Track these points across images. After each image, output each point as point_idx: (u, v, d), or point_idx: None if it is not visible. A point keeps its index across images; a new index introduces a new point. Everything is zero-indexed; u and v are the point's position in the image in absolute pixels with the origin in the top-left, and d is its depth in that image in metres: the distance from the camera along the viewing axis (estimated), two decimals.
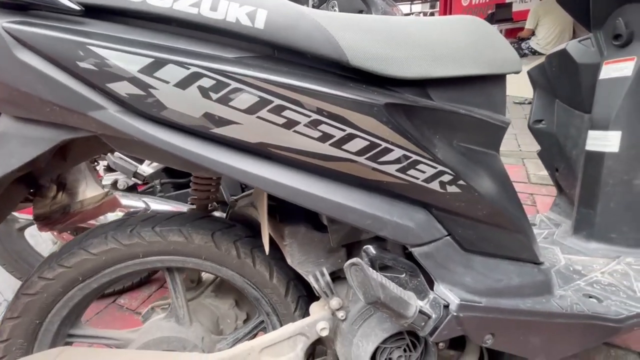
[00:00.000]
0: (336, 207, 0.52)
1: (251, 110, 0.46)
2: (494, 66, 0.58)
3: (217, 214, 0.85)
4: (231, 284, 0.74)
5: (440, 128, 0.56)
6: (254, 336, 0.79)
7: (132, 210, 1.28)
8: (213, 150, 0.48)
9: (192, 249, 0.68)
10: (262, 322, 0.79)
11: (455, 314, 0.58)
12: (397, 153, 0.52)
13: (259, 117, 0.47)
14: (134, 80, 0.43)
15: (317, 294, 0.68)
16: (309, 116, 0.48)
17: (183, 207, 1.30)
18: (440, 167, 0.55)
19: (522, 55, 4.68)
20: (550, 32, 4.48)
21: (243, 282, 0.73)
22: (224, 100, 0.45)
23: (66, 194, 0.80)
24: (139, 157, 1.06)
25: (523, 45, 4.73)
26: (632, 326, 0.73)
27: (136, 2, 0.43)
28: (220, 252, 0.69)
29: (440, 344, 0.72)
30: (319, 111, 0.48)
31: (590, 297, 0.77)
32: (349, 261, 0.55)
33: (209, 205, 0.82)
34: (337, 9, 1.55)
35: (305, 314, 0.74)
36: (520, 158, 2.68)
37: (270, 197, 0.63)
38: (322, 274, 0.67)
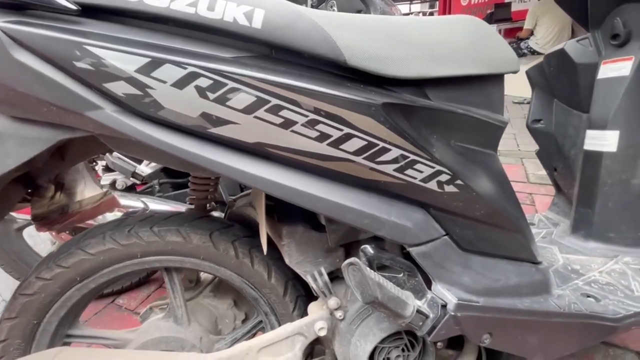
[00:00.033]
0: (334, 206, 0.52)
1: (248, 110, 0.46)
2: (491, 66, 0.58)
3: (215, 214, 0.85)
4: (229, 284, 0.74)
5: (438, 128, 0.56)
6: (253, 336, 0.78)
7: (130, 210, 1.28)
8: (210, 150, 0.48)
9: (190, 249, 0.68)
10: (261, 322, 0.79)
11: (452, 313, 0.58)
12: (395, 153, 0.52)
13: (256, 117, 0.47)
14: (131, 80, 0.43)
15: (315, 294, 0.68)
16: (307, 116, 0.48)
17: (182, 207, 1.30)
18: (438, 167, 0.55)
19: (521, 55, 4.69)
20: (549, 32, 4.49)
21: (241, 282, 0.73)
22: (221, 100, 0.45)
23: (64, 194, 0.80)
24: (136, 157, 1.06)
25: (522, 44, 4.74)
26: (629, 325, 0.73)
27: (133, 1, 0.43)
28: (219, 252, 0.69)
29: (439, 344, 0.72)
30: (317, 111, 0.48)
31: (588, 296, 0.78)
32: (347, 261, 0.55)
33: (208, 205, 0.82)
34: (335, 8, 1.55)
35: (304, 313, 0.74)
36: (519, 158, 2.68)
37: (268, 197, 0.63)
38: (320, 274, 0.67)
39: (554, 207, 1.25)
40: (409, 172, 0.54)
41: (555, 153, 1.17)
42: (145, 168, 1.41)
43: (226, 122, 0.46)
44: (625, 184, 0.94)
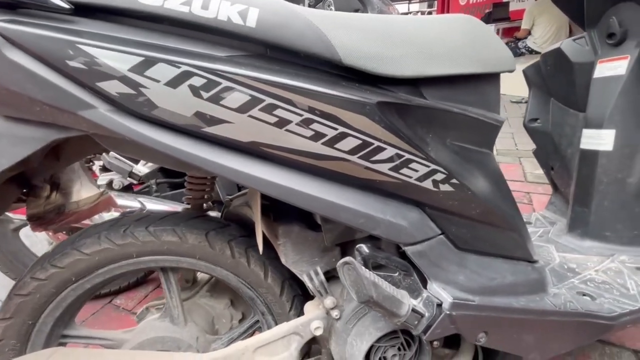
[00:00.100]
0: (329, 206, 0.52)
1: (243, 109, 0.46)
2: (488, 65, 0.58)
3: (212, 213, 0.85)
4: (226, 283, 0.74)
5: (434, 127, 0.56)
6: (250, 336, 0.78)
7: (127, 210, 1.28)
8: (205, 150, 0.48)
9: (186, 249, 0.68)
10: (258, 321, 0.79)
11: (448, 312, 0.58)
12: (390, 152, 0.52)
13: (250, 116, 0.46)
14: (124, 79, 0.43)
15: (311, 293, 0.68)
16: (301, 115, 0.48)
17: (179, 207, 1.30)
18: (433, 166, 0.55)
19: (519, 54, 4.69)
20: (547, 31, 4.49)
21: (238, 282, 0.73)
22: (215, 99, 0.45)
23: (60, 194, 0.79)
24: (131, 156, 1.06)
25: (520, 44, 4.74)
26: (625, 323, 0.73)
27: (127, 0, 0.43)
28: (215, 251, 0.69)
29: (435, 343, 0.72)
30: (311, 110, 0.48)
31: (584, 295, 0.78)
32: (342, 260, 0.55)
33: (204, 204, 0.82)
34: (333, 7, 1.55)
35: (301, 313, 0.74)
36: (517, 157, 2.68)
37: (264, 197, 0.63)
38: (316, 273, 0.67)
39: (550, 206, 1.26)
40: (404, 171, 0.54)
41: (552, 152, 1.18)
42: (142, 168, 1.40)
43: (220, 121, 0.46)
44: (621, 183, 0.94)
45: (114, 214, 1.24)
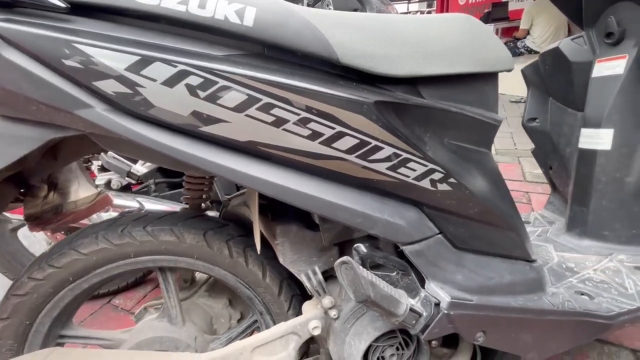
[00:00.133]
0: (326, 205, 0.52)
1: (240, 108, 0.46)
2: (486, 64, 0.58)
3: (211, 213, 0.85)
4: (224, 283, 0.74)
5: (431, 126, 0.56)
6: (248, 335, 0.78)
7: (126, 210, 1.28)
8: (202, 149, 0.48)
9: (184, 249, 0.68)
10: (256, 321, 0.79)
11: (446, 311, 0.58)
12: (387, 151, 0.52)
13: (247, 115, 0.46)
14: (120, 79, 0.43)
15: (309, 293, 0.68)
16: (298, 114, 0.48)
17: (177, 207, 1.29)
18: (431, 165, 0.55)
19: (518, 54, 4.70)
20: (545, 31, 4.50)
21: (236, 282, 0.72)
22: (212, 99, 0.45)
23: (58, 193, 0.79)
24: (128, 156, 1.06)
25: (519, 44, 4.75)
26: (623, 323, 0.73)
27: None
28: (213, 251, 0.69)
29: (433, 342, 0.72)
30: (308, 109, 0.48)
31: (582, 294, 0.78)
32: (339, 260, 0.55)
33: (203, 204, 0.82)
34: (331, 7, 1.54)
35: (299, 313, 0.74)
36: (516, 156, 2.69)
37: (262, 196, 0.63)
38: (314, 273, 0.67)
39: (549, 205, 1.26)
40: (402, 170, 0.54)
41: (551, 151, 1.18)
42: (141, 167, 1.40)
43: (217, 120, 0.46)
44: (619, 182, 0.94)
45: (112, 214, 1.24)
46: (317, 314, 0.69)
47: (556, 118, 1.14)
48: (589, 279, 0.84)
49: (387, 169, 0.53)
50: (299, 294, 0.76)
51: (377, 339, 0.65)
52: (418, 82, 0.54)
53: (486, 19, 5.76)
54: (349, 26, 0.49)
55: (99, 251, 0.64)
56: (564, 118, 1.11)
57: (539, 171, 1.47)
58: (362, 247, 0.59)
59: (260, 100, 0.46)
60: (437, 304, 0.59)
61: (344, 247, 0.70)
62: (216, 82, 0.45)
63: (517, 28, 4.96)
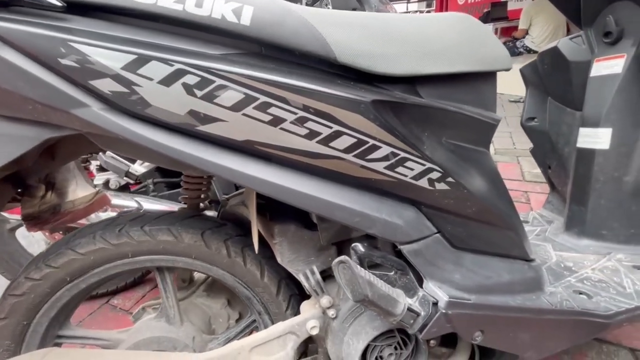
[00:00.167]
0: (324, 205, 0.52)
1: (237, 107, 0.46)
2: (484, 63, 0.58)
3: (209, 213, 0.84)
4: (222, 283, 0.74)
5: (429, 125, 0.56)
6: (247, 335, 0.78)
7: (124, 210, 1.27)
8: (199, 148, 0.47)
9: (182, 248, 0.67)
10: (254, 321, 0.79)
11: (444, 311, 0.58)
12: (385, 150, 0.52)
13: (244, 115, 0.46)
14: (117, 77, 0.43)
15: (308, 293, 0.68)
16: (296, 113, 0.47)
17: (176, 207, 1.29)
18: (429, 165, 0.55)
19: (517, 54, 4.70)
20: (544, 30, 4.50)
21: (234, 281, 0.72)
22: (209, 98, 0.45)
23: (55, 193, 0.79)
24: (125, 155, 1.06)
25: (518, 43, 4.75)
26: (621, 322, 0.73)
27: None
28: (211, 251, 0.68)
29: (432, 342, 0.72)
30: (306, 108, 0.48)
31: (581, 293, 0.78)
32: (337, 259, 0.54)
33: (201, 204, 0.82)
34: (330, 6, 1.54)
35: (297, 312, 0.74)
36: (515, 156, 2.69)
37: (260, 196, 0.63)
38: (313, 273, 0.67)
39: (548, 204, 1.26)
40: (400, 169, 0.54)
41: (549, 151, 1.18)
42: (139, 167, 1.40)
43: (214, 119, 0.46)
44: (617, 182, 0.94)
45: (111, 214, 1.24)
46: (315, 313, 0.69)
47: (555, 117, 1.14)
48: (587, 278, 0.84)
49: (385, 168, 0.53)
50: (297, 294, 0.76)
51: (375, 339, 0.65)
52: (416, 81, 0.54)
53: (485, 18, 5.77)
54: (346, 25, 0.49)
55: (96, 251, 0.64)
56: (563, 117, 1.11)
57: (538, 171, 1.47)
58: (359, 247, 0.59)
59: (257, 99, 0.46)
60: (435, 304, 0.59)
61: (342, 247, 0.70)
62: (213, 81, 0.44)
63: (516, 28, 4.96)
